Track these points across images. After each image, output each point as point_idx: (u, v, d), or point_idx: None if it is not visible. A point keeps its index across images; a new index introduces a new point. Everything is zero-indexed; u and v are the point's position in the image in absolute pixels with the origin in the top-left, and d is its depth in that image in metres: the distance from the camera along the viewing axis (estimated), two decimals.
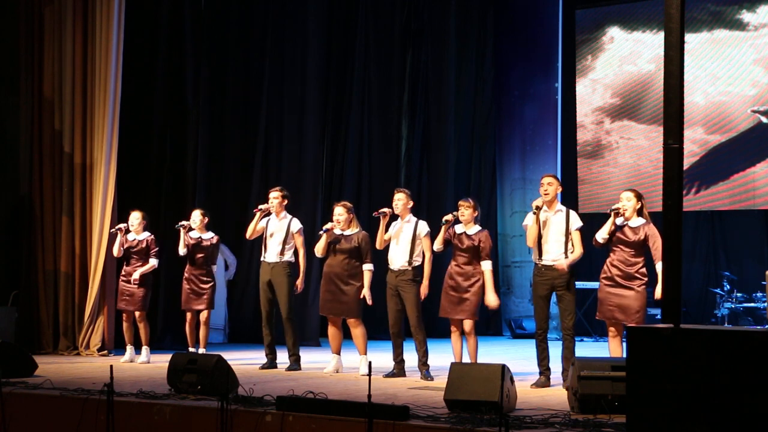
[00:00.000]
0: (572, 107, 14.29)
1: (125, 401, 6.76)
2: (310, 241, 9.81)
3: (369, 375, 6.00)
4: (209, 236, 9.90)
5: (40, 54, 11.15)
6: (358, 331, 8.83)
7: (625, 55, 13.86)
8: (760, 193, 12.71)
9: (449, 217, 8.35)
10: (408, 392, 7.40)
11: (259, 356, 9.93)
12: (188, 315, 9.88)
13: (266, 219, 9.43)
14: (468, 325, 8.27)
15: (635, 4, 13.84)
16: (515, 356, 10.45)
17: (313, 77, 13.04)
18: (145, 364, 9.61)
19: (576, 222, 7.96)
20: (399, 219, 8.70)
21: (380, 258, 9.04)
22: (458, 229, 8.37)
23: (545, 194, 7.92)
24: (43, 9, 11.14)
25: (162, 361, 8.73)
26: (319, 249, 8.94)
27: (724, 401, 4.51)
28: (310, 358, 9.27)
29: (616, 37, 13.96)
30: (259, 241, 9.94)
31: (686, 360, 4.61)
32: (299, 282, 9.31)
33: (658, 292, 6.90)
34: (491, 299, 8.27)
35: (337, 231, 8.91)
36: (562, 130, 14.46)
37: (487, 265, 8.29)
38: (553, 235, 7.91)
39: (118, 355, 10.22)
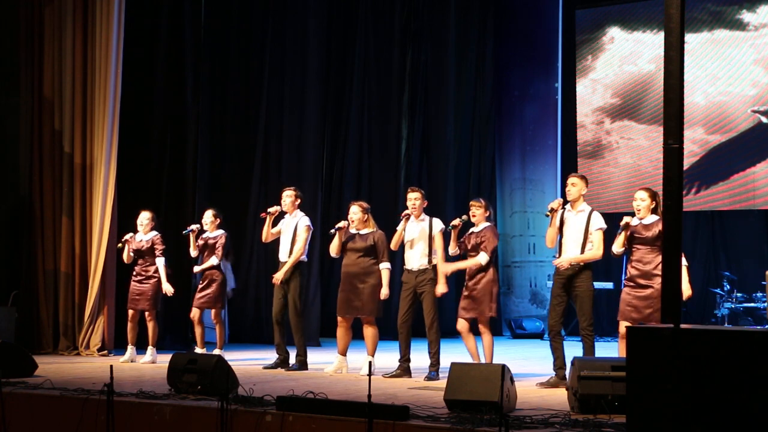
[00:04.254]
0: (572, 107, 14.28)
1: (125, 401, 6.75)
2: (314, 242, 9.76)
3: (369, 375, 6.00)
4: (216, 234, 9.85)
5: (40, 54, 11.15)
6: (370, 331, 8.71)
7: (625, 55, 13.85)
8: (760, 193, 12.71)
9: (456, 222, 8.24)
10: (408, 392, 7.39)
11: (258, 356, 9.93)
12: (194, 314, 9.86)
13: (283, 221, 9.37)
14: (482, 322, 8.20)
15: (635, 4, 13.82)
16: (515, 356, 10.45)
17: (313, 77, 13.04)
18: (148, 364, 9.58)
19: (597, 223, 7.82)
20: (413, 218, 8.55)
21: (393, 257, 8.96)
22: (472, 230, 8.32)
23: (568, 193, 7.91)
24: (43, 9, 11.14)
25: (162, 361, 8.73)
26: (333, 248, 8.85)
27: (724, 401, 4.51)
28: (310, 358, 9.26)
29: (616, 37, 13.96)
30: (261, 244, 9.92)
31: (686, 360, 4.60)
32: (279, 274, 9.10)
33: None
34: (442, 283, 8.26)
35: (353, 230, 8.79)
36: (562, 130, 14.46)
37: (483, 257, 8.09)
38: (572, 235, 7.83)
39: (118, 355, 10.21)
